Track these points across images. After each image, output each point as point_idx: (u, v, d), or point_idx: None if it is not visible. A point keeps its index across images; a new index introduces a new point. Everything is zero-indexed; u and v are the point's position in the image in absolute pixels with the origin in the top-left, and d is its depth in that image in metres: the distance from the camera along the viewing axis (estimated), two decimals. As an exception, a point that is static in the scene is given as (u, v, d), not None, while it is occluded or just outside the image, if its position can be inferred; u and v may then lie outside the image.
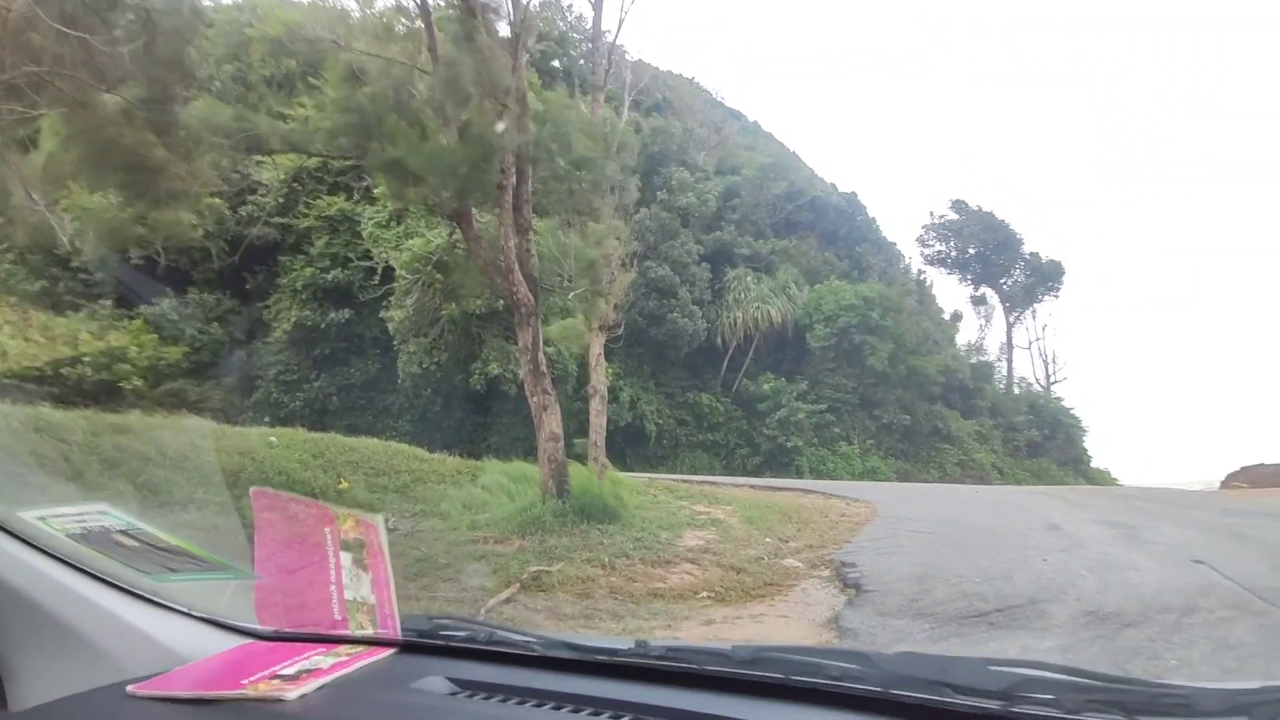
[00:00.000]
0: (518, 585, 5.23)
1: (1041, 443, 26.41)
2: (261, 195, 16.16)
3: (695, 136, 30.23)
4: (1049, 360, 32.23)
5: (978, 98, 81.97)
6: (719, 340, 24.15)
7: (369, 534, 1.20)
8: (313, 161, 15.59)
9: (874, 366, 23.27)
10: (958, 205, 33.27)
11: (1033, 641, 3.61)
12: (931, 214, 33.82)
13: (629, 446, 20.10)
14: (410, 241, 15.51)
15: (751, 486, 13.55)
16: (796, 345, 24.47)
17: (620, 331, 11.64)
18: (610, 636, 4.22)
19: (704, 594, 5.48)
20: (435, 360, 17.07)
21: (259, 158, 12.28)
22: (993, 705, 0.76)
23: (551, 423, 7.53)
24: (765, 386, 23.16)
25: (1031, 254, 32.40)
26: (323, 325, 17.35)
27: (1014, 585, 4.80)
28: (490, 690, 0.98)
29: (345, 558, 1.16)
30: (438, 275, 13.99)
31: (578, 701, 0.92)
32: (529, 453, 10.25)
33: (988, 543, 6.76)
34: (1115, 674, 0.84)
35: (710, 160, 29.41)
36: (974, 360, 29.56)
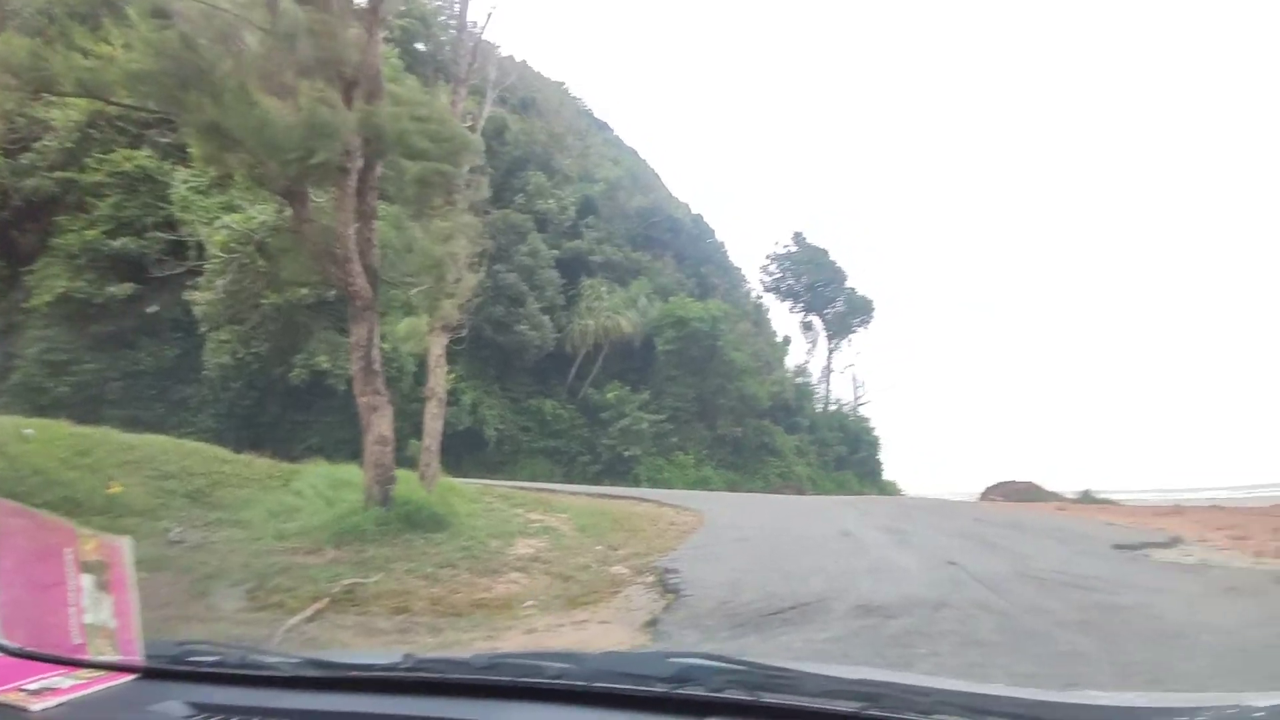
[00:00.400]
0: (326, 601, 4.86)
1: (847, 457, 29.75)
2: (48, 141, 13.48)
3: (561, 142, 30.26)
4: (858, 384, 36.43)
5: (816, 138, 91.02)
6: (568, 347, 24.29)
7: (113, 556, 1.12)
8: (115, 108, 13.32)
9: (713, 381, 24.76)
10: (798, 238, 36.56)
11: (814, 634, 4.09)
12: (776, 243, 36.83)
13: (467, 452, 19.46)
14: (230, 216, 13.72)
15: (589, 494, 13.76)
16: (644, 357, 25.32)
17: (465, 333, 11.28)
18: (383, 650, 4.06)
19: (529, 603, 5.48)
20: (252, 350, 15.29)
21: (49, 98, 10.24)
22: (662, 689, 0.94)
23: (381, 425, 7.10)
24: (610, 395, 23.66)
25: (850, 288, 36.49)
26: (99, 300, 14.74)
27: (808, 585, 5.38)
28: (230, 712, 0.99)
29: (86, 580, 1.08)
30: (260, 257, 12.57)
31: (318, 718, 0.98)
32: (355, 455, 9.56)
33: (793, 548, 7.48)
34: (754, 661, 1.05)
35: (574, 167, 29.61)
36: (799, 381, 32.56)
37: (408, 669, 1.07)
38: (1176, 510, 11.78)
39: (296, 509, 7.11)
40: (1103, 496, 18.51)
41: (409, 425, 11.42)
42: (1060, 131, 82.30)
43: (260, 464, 9.48)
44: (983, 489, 22.53)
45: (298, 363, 15.61)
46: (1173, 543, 7.65)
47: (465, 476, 14.14)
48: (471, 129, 11.05)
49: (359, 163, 7.23)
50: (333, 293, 11.28)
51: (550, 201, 25.47)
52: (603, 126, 38.07)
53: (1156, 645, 3.81)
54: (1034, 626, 4.14)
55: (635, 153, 38.20)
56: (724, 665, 1.00)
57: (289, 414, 16.40)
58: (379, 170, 7.66)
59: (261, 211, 12.74)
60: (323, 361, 15.41)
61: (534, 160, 26.37)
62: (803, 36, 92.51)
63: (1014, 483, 22.36)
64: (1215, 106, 69.49)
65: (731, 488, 23.03)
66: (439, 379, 9.53)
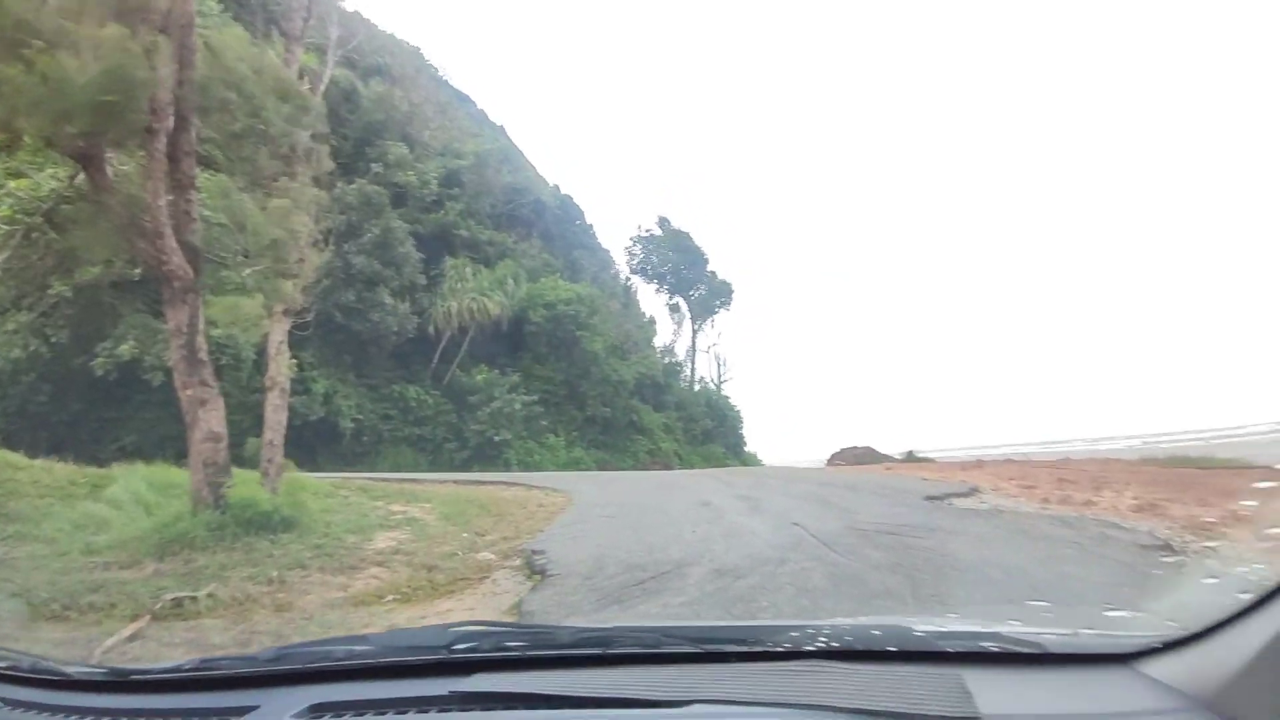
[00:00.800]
0: (148, 617, 4.38)
1: (712, 431, 31.37)
2: None
3: (419, 112, 28.53)
4: (721, 362, 38.45)
5: (681, 125, 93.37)
6: (432, 330, 23.25)
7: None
8: None
9: (583, 362, 24.91)
10: (663, 222, 37.50)
11: (671, 599, 4.37)
12: (639, 227, 37.54)
13: (321, 444, 18.12)
14: (15, 183, 11.45)
15: (456, 482, 13.44)
16: (512, 339, 24.86)
17: (310, 317, 10.41)
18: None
19: (390, 597, 5.30)
20: (48, 340, 13.05)
21: None
22: (442, 655, 1.06)
23: (211, 420, 6.43)
24: (479, 379, 23.03)
25: (711, 272, 38.18)
26: None
27: (668, 554, 5.69)
28: (25, 707, 1.02)
29: None
30: (51, 230, 10.66)
31: (107, 714, 1.03)
32: (182, 455, 8.56)
33: (657, 520, 7.83)
34: (515, 623, 1.23)
35: (435, 140, 28.07)
36: (666, 361, 33.68)
37: (192, 670, 1.10)
38: (978, 465, 13.80)
39: (107, 520, 6.27)
40: (923, 456, 21.07)
41: (249, 419, 10.41)
42: (906, 111, 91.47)
43: (61, 470, 8.24)
44: (829, 455, 24.79)
45: (103, 352, 13.57)
46: (971, 492, 8.97)
47: (319, 471, 13.19)
48: (312, 91, 10.14)
49: (168, 123, 6.39)
50: (145, 272, 9.87)
51: (411, 174, 24.01)
52: (464, 99, 36.39)
53: (951, 580, 4.51)
54: (856, 572, 4.72)
55: (501, 129, 37.00)
56: (491, 629, 1.13)
57: (95, 411, 14.25)
58: (194, 132, 6.82)
59: (54, 177, 10.80)
60: (129, 350, 13.47)
61: (390, 130, 24.68)
62: (662, 15, 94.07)
63: (855, 448, 24.81)
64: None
65: (602, 467, 23.45)
66: (281, 367, 8.76)
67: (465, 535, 7.59)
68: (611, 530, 7.47)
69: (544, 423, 23.60)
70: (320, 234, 9.17)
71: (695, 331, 37.78)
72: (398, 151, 24.06)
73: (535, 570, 5.84)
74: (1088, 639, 0.94)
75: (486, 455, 21.86)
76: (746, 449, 33.39)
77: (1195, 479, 8.92)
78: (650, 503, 9.68)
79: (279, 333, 8.77)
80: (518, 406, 22.61)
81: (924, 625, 1.08)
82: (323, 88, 11.15)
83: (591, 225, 35.90)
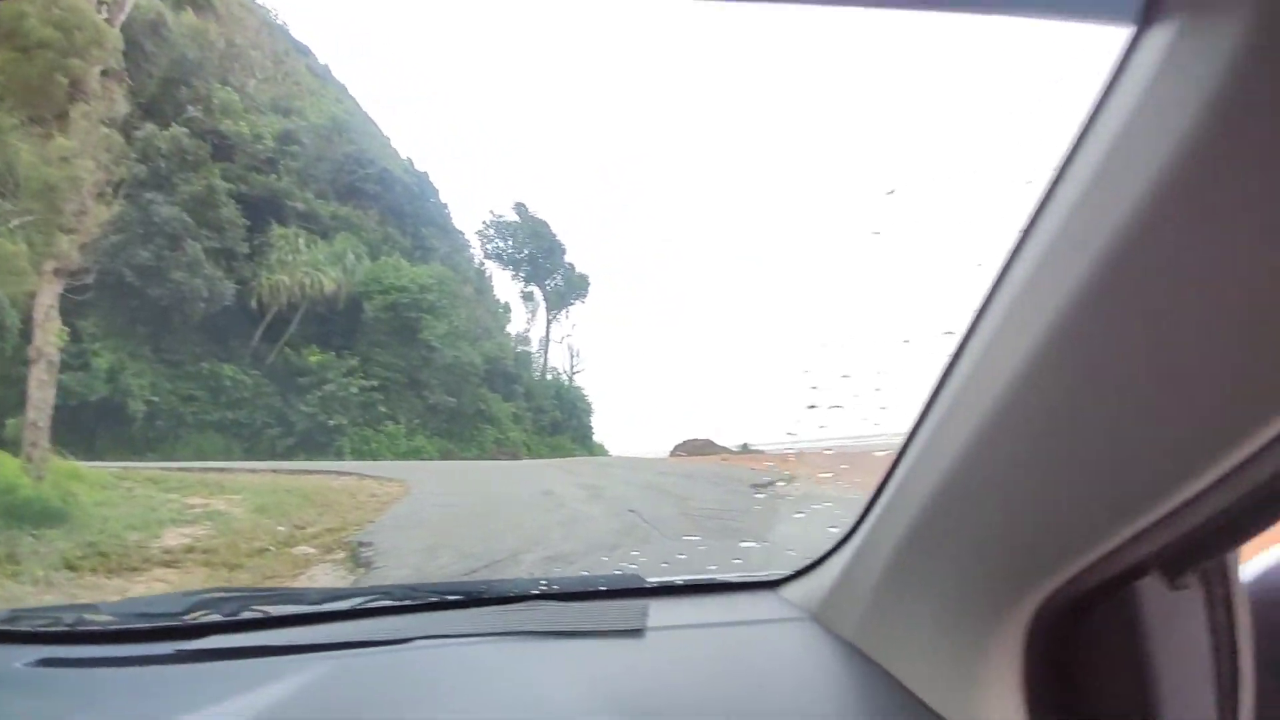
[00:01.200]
0: None
1: (562, 422, 31.49)
2: None
3: (244, 56, 25.41)
4: (574, 354, 38.71)
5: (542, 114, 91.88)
6: (254, 304, 20.93)
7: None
8: None
9: (427, 348, 23.82)
10: (519, 208, 36.74)
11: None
12: (492, 212, 36.53)
13: (104, 428, 15.64)
14: None
15: (276, 471, 12.42)
16: (349, 319, 23.09)
17: (90, 279, 8.91)
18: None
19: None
20: None
21: None
22: (175, 621, 1.06)
23: (-53, 396, 5.31)
24: (311, 360, 21.19)
25: (570, 264, 38.23)
26: None
27: (504, 543, 5.70)
28: (67, 664, 0.99)
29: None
30: None
31: None
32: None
33: (496, 509, 7.79)
34: (266, 588, 1.30)
35: (262, 93, 25.15)
36: (518, 350, 33.21)
37: None
38: (800, 456, 15.30)
39: None
40: (756, 448, 22.86)
41: (14, 394, 8.78)
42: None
43: None
44: (672, 447, 26.02)
45: None
46: (790, 480, 9.96)
47: (102, 459, 11.42)
48: (110, 22, 8.68)
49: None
50: None
51: (243, 125, 21.34)
52: (304, 51, 32.90)
53: (758, 553, 5.03)
54: (679, 552, 5.09)
55: (346, 89, 33.99)
56: (230, 595, 1.16)
57: None
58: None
59: None
60: None
61: (206, 71, 21.71)
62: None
63: (696, 440, 26.26)
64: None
65: (446, 456, 22.65)
66: (49, 336, 7.43)
67: (282, 529, 7.00)
68: (449, 519, 7.29)
69: (383, 409, 22.23)
70: (110, 184, 7.88)
71: (550, 322, 37.63)
72: (225, 97, 21.29)
73: (360, 563, 5.56)
74: (750, 574, 1.20)
75: (316, 443, 20.17)
76: (595, 439, 33.96)
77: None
78: (493, 492, 9.59)
79: (49, 295, 7.42)
80: (354, 391, 21.08)
81: (648, 576, 1.27)
82: (123, 17, 9.57)
83: (447, 205, 34.31)
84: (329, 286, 21.98)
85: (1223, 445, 0.41)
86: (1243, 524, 0.47)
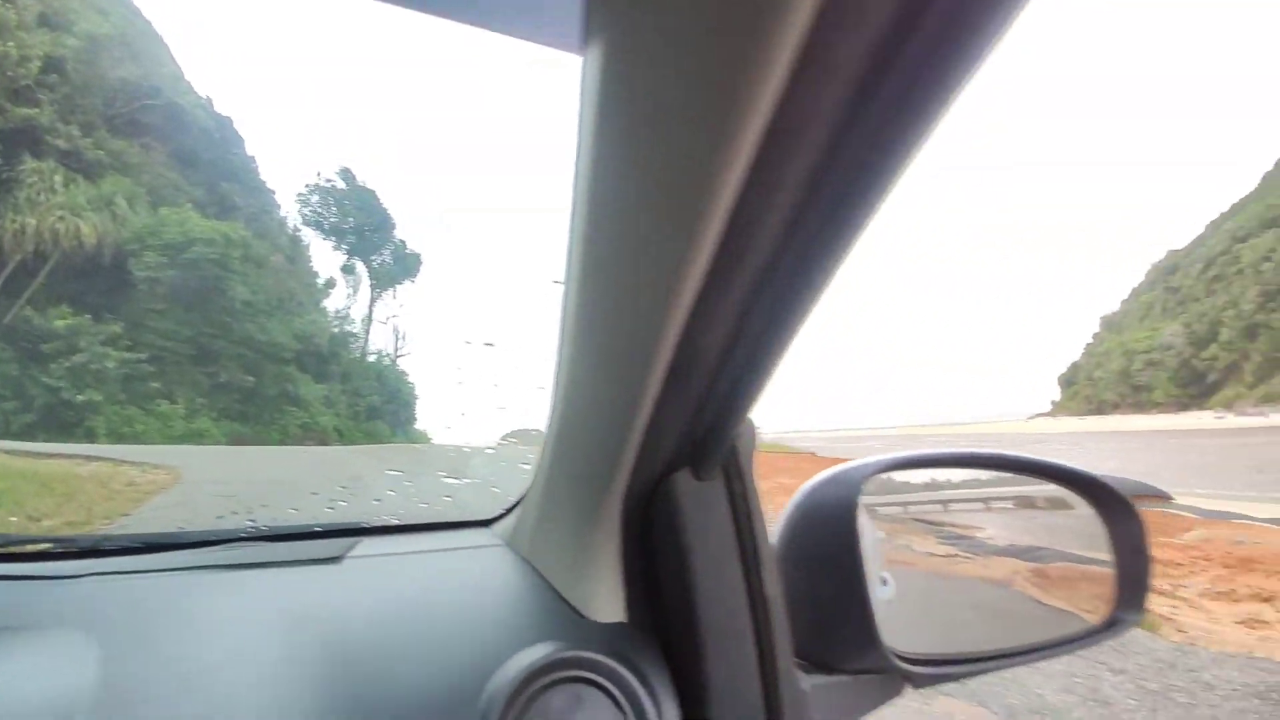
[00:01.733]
0: None
1: (380, 407, 29.59)
2: None
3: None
4: (400, 336, 36.49)
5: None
6: (-17, 249, 17.12)
7: None
8: None
9: (222, 317, 21.14)
10: (345, 174, 33.72)
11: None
12: (318, 174, 33.23)
13: None
14: None
15: (8, 452, 10.97)
16: (114, 276, 19.71)
17: None
18: None
19: None
20: None
21: None
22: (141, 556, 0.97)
23: None
24: (59, 323, 17.90)
25: (401, 240, 35.96)
26: None
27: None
28: None
29: None
30: None
31: None
32: None
33: (290, 499, 7.19)
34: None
35: (33, 7, 20.46)
36: (336, 329, 30.55)
37: None
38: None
39: None
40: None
41: None
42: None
43: None
44: (500, 436, 25.75)
45: None
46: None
47: None
48: None
49: None
50: None
51: (11, 44, 17.37)
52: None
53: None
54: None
55: (136, 8, 28.72)
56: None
57: None
58: None
59: None
60: None
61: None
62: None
63: (528, 430, 26.29)
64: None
65: (237, 441, 20.31)
66: None
67: (14, 519, 6.06)
68: (223, 511, 6.58)
69: (155, 385, 19.26)
70: None
71: (374, 300, 35.10)
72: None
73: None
74: (472, 514, 1.26)
75: (61, 421, 17.09)
76: (417, 427, 32.42)
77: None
78: (285, 478, 8.81)
79: None
80: (110, 365, 18.07)
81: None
82: None
83: (254, 158, 30.45)
84: (89, 236, 18.61)
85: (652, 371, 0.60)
86: (722, 421, 0.65)
